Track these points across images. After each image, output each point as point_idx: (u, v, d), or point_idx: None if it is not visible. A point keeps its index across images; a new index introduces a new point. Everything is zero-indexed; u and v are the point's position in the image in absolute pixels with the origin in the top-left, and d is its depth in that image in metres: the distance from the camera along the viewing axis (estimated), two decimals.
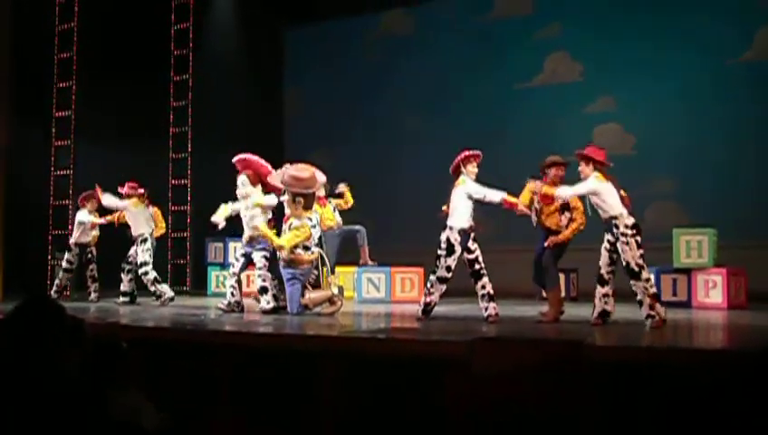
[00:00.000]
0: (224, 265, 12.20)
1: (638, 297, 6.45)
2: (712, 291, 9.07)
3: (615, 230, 6.51)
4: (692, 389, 4.28)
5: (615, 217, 6.54)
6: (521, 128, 13.26)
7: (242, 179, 8.38)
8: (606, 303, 6.76)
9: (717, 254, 9.35)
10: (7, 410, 2.33)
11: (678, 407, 4.27)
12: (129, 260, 10.06)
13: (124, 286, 10.10)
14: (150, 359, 5.36)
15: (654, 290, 6.57)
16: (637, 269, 6.42)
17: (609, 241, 6.70)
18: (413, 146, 13.94)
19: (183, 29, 14.25)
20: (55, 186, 12.14)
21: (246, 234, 8.37)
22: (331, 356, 5.12)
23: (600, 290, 6.78)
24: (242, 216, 8.45)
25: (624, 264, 6.47)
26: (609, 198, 6.60)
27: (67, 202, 12.00)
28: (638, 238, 6.52)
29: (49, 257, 12.00)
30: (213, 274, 12.53)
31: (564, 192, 6.94)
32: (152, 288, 9.65)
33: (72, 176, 12.03)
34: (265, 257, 8.24)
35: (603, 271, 6.78)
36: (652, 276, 9.23)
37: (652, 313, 6.39)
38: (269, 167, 8.58)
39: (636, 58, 12.56)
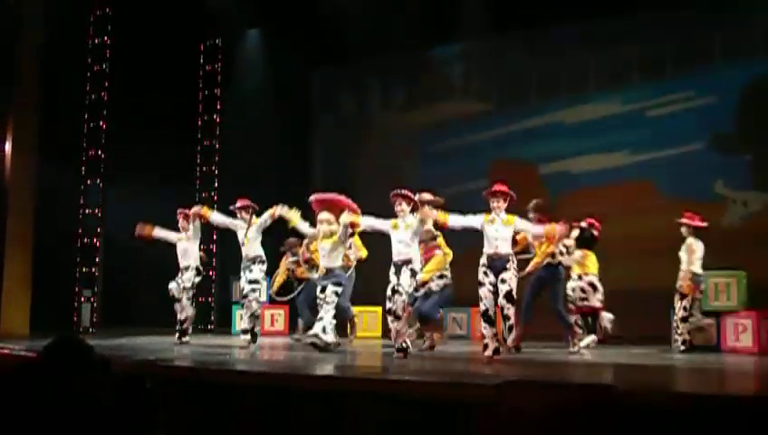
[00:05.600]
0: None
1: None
2: (742, 335, 8.91)
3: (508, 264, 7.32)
4: None
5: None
6: None
7: (327, 217, 8.48)
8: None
9: (747, 296, 9.20)
10: None
11: None
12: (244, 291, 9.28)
13: (244, 323, 9.22)
14: (178, 399, 5.34)
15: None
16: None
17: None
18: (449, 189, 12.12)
19: (212, 70, 14.49)
20: (84, 224, 12.28)
21: (323, 266, 8.44)
22: (359, 398, 5.08)
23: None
24: (320, 249, 8.52)
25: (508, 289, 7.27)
26: None
27: (95, 240, 12.13)
28: None
29: (76, 295, 12.11)
30: (237, 312, 12.52)
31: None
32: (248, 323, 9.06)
33: (101, 214, 12.18)
34: (336, 293, 8.26)
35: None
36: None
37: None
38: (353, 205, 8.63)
39: None
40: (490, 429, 4.45)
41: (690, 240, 9.00)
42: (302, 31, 13.95)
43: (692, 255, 8.92)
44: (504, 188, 7.44)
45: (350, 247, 9.13)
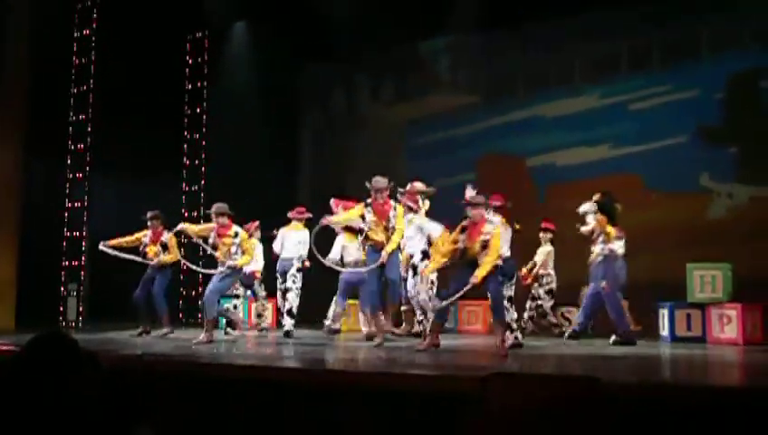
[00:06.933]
0: (237, 296, 12.16)
1: None
2: (727, 326, 8.98)
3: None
4: (708, 428, 4.22)
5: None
6: None
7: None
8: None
9: (733, 288, 9.25)
10: None
11: None
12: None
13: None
14: (166, 393, 5.32)
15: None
16: None
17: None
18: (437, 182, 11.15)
19: (198, 63, 14.41)
20: (69, 218, 12.22)
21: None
22: (344, 392, 5.07)
23: None
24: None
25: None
26: None
27: (81, 234, 12.06)
28: None
29: (62, 289, 12.04)
30: (225, 305, 12.45)
31: None
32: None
33: (87, 208, 12.11)
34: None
35: None
36: (666, 311, 9.30)
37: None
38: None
39: None
40: (477, 422, 4.45)
41: (548, 246, 10.18)
42: (290, 25, 13.86)
43: (545, 256, 10.12)
44: (499, 202, 8.29)
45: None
